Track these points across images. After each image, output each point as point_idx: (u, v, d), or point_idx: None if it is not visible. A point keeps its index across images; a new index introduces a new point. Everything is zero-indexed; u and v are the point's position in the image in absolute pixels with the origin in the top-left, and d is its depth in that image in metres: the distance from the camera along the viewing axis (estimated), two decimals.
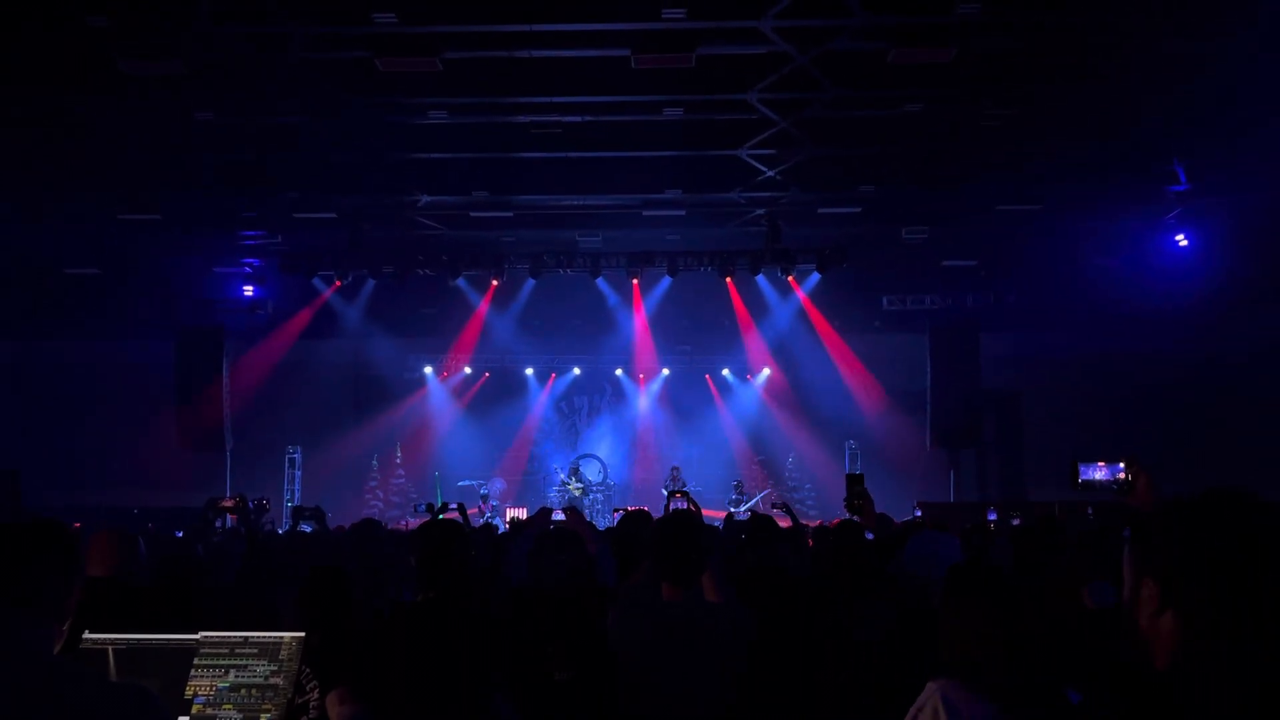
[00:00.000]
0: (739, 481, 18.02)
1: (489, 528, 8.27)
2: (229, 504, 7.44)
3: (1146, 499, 3.06)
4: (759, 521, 5.65)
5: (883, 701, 2.85)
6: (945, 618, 2.46)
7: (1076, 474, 3.15)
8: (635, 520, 5.84)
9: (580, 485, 18.64)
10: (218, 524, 8.57)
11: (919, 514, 13.40)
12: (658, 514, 5.63)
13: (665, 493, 15.22)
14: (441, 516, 5.93)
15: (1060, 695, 2.33)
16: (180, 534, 9.87)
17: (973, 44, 10.13)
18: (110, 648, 2.47)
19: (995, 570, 2.53)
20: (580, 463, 19.63)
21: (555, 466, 19.83)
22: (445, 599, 3.58)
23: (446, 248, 16.49)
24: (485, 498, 17.87)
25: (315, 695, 3.27)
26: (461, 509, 7.02)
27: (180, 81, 10.89)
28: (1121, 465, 3.02)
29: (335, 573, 3.98)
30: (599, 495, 18.92)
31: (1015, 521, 11.05)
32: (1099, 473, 3.08)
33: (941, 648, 2.43)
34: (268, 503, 6.80)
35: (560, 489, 18.77)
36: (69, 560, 2.14)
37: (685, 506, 6.02)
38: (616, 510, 13.64)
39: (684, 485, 16.89)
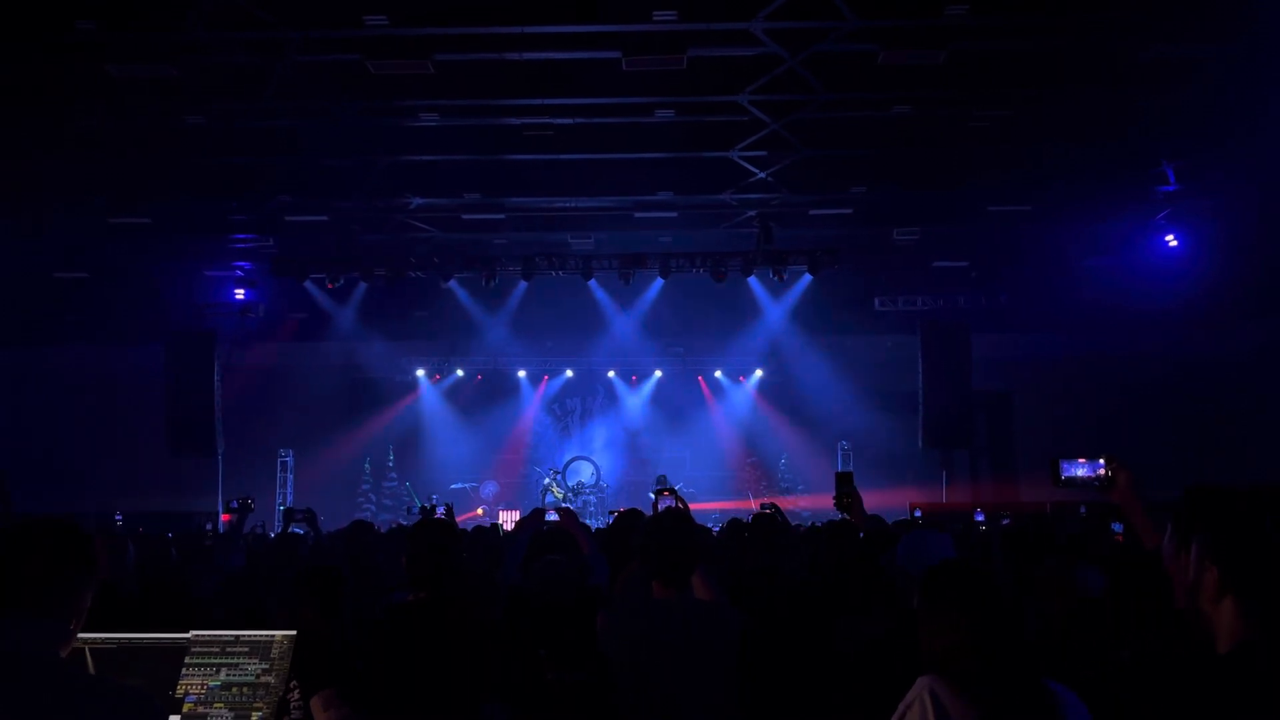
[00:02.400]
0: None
1: (483, 530, 8.26)
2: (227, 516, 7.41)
3: (1127, 495, 3.11)
4: (760, 523, 5.63)
5: (878, 703, 2.86)
6: (922, 618, 2.46)
7: (1058, 471, 3.20)
8: (627, 520, 5.82)
9: (561, 491, 18.52)
10: (208, 527, 8.57)
11: (918, 514, 13.38)
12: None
13: (651, 495, 15.19)
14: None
15: (1044, 693, 2.34)
16: (170, 535, 9.87)
17: (962, 46, 10.18)
18: (87, 647, 2.46)
19: (972, 570, 2.52)
20: (569, 467, 19.59)
21: (537, 469, 19.81)
22: (438, 600, 3.58)
23: (438, 250, 16.48)
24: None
25: (296, 695, 3.27)
26: (449, 510, 7.02)
27: (171, 85, 10.88)
28: (1101, 462, 3.07)
29: (327, 573, 3.98)
30: (591, 498, 18.90)
31: (1005, 521, 11.06)
32: (1080, 470, 3.13)
33: (921, 647, 2.44)
34: (252, 502, 6.79)
35: (545, 490, 18.73)
36: (84, 561, 2.11)
37: (673, 505, 6.00)
38: (613, 512, 13.63)
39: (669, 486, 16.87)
